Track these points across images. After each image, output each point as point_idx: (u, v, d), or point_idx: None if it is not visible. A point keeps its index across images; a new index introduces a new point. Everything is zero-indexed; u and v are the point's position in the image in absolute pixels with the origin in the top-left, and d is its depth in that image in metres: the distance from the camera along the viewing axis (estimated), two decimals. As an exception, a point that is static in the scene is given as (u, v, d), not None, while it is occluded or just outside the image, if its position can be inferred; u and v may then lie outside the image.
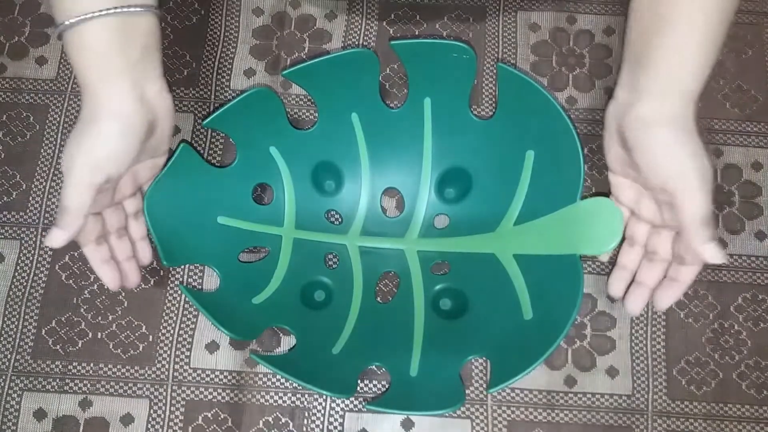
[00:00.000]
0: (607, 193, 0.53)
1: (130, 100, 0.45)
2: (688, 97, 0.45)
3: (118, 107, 0.45)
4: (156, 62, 0.47)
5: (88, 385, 0.54)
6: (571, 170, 0.52)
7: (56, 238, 0.46)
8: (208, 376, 0.54)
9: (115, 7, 0.43)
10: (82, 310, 0.56)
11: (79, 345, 0.55)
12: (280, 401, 0.54)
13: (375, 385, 0.54)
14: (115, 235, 0.51)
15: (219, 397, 0.54)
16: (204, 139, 0.59)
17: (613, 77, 0.61)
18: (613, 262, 0.53)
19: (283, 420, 0.53)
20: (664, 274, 0.50)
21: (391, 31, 0.62)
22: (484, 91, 0.60)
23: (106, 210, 0.50)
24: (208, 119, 0.54)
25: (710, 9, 0.43)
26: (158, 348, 0.55)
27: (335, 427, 0.53)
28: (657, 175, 0.45)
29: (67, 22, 0.43)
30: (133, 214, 0.52)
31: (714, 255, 0.45)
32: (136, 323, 0.55)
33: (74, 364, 0.54)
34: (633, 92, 0.46)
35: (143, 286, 0.56)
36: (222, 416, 0.53)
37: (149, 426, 0.53)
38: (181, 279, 0.56)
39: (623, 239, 0.52)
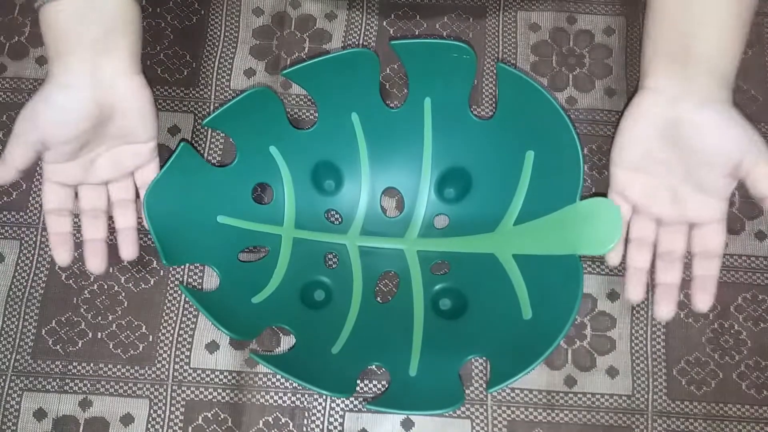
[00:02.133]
0: (606, 194, 0.52)
1: (78, 74, 0.47)
2: (729, 81, 0.48)
3: (65, 79, 0.47)
4: (122, 45, 0.48)
5: (88, 385, 0.54)
6: (571, 170, 0.52)
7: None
8: (208, 376, 0.54)
9: None
10: (82, 310, 0.56)
11: (79, 345, 0.55)
12: (280, 401, 0.54)
13: (375, 385, 0.54)
14: (89, 215, 0.51)
15: (219, 397, 0.54)
16: (204, 139, 0.59)
17: (613, 77, 0.61)
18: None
19: (283, 420, 0.53)
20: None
21: (391, 31, 0.62)
22: (484, 91, 0.60)
23: (81, 187, 0.51)
24: (208, 119, 0.54)
25: (735, 4, 0.46)
26: (158, 348, 0.55)
27: (335, 427, 0.53)
28: (720, 152, 0.47)
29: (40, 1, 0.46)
30: (118, 201, 0.52)
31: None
32: (136, 323, 0.55)
33: (74, 364, 0.54)
34: (679, 83, 0.48)
35: (143, 286, 0.56)
36: (222, 416, 0.53)
37: (149, 426, 0.53)
38: (181, 279, 0.56)
39: (627, 240, 0.51)
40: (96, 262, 0.51)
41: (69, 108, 0.47)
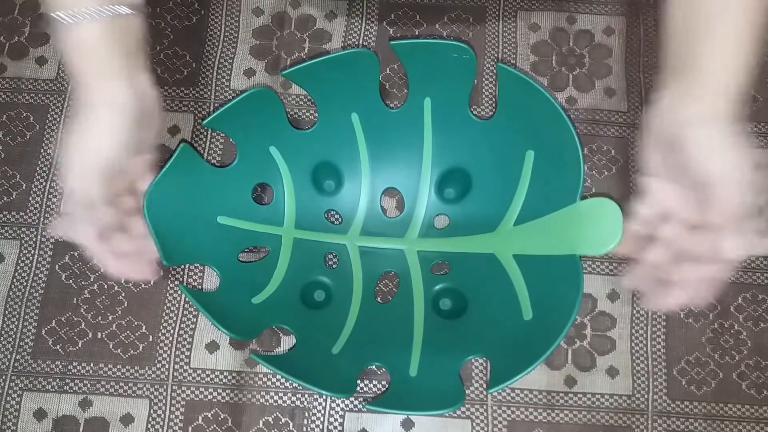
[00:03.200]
0: (606, 194, 0.52)
1: (125, 91, 0.47)
2: (730, 99, 0.47)
3: (115, 98, 0.47)
4: (143, 58, 0.49)
5: (88, 385, 0.54)
6: (571, 170, 0.52)
7: (60, 226, 0.47)
8: (208, 376, 0.54)
9: (106, 8, 0.45)
10: (82, 310, 0.56)
11: (79, 345, 0.55)
12: (280, 401, 0.54)
13: (375, 385, 0.54)
14: (117, 231, 0.50)
15: (219, 397, 0.54)
16: (204, 139, 0.59)
17: (613, 77, 0.61)
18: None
19: (283, 420, 0.53)
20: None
21: (391, 32, 0.62)
22: (484, 91, 0.60)
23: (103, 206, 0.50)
24: (208, 119, 0.54)
25: (742, 20, 0.46)
26: (158, 348, 0.55)
27: (335, 427, 0.53)
28: (700, 172, 0.47)
29: (57, 15, 0.45)
30: (131, 211, 0.51)
31: (755, 246, 0.47)
32: (136, 323, 0.55)
33: (74, 364, 0.54)
34: (679, 97, 0.48)
35: (143, 286, 0.56)
36: (222, 416, 0.53)
37: (149, 426, 0.53)
38: (181, 279, 0.56)
39: (621, 238, 0.51)
40: (149, 270, 0.49)
41: (126, 126, 0.47)
